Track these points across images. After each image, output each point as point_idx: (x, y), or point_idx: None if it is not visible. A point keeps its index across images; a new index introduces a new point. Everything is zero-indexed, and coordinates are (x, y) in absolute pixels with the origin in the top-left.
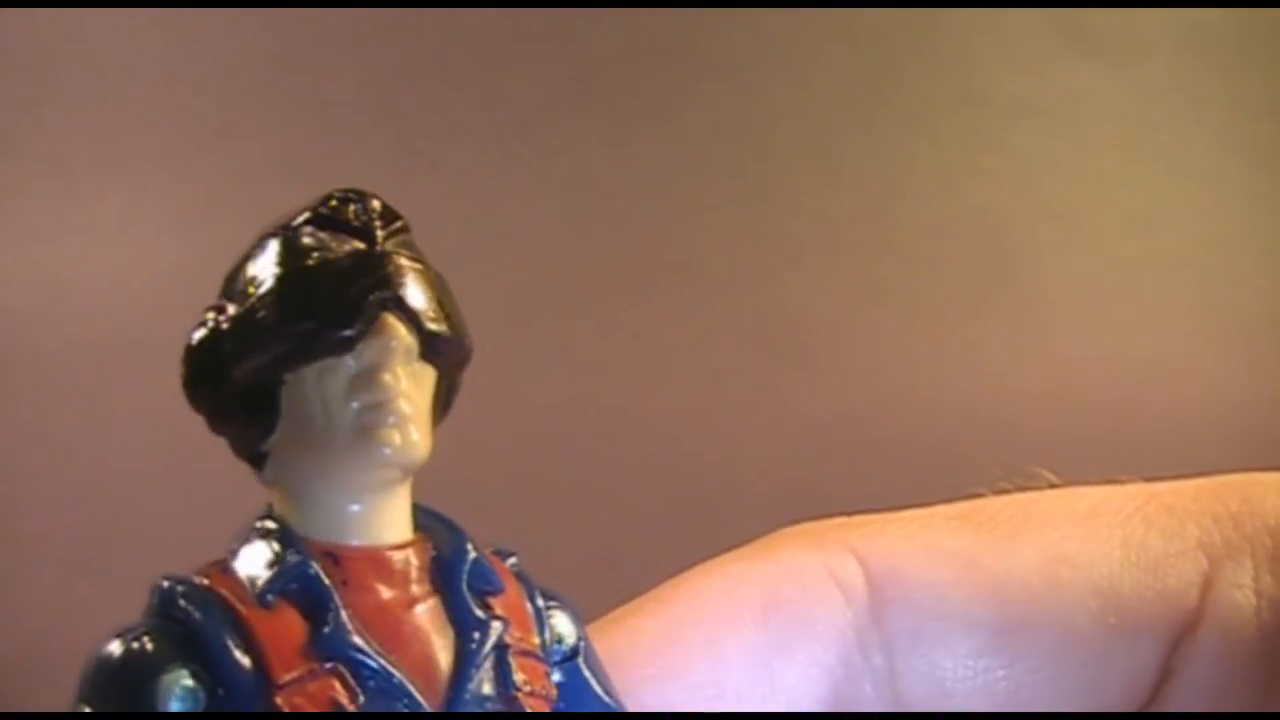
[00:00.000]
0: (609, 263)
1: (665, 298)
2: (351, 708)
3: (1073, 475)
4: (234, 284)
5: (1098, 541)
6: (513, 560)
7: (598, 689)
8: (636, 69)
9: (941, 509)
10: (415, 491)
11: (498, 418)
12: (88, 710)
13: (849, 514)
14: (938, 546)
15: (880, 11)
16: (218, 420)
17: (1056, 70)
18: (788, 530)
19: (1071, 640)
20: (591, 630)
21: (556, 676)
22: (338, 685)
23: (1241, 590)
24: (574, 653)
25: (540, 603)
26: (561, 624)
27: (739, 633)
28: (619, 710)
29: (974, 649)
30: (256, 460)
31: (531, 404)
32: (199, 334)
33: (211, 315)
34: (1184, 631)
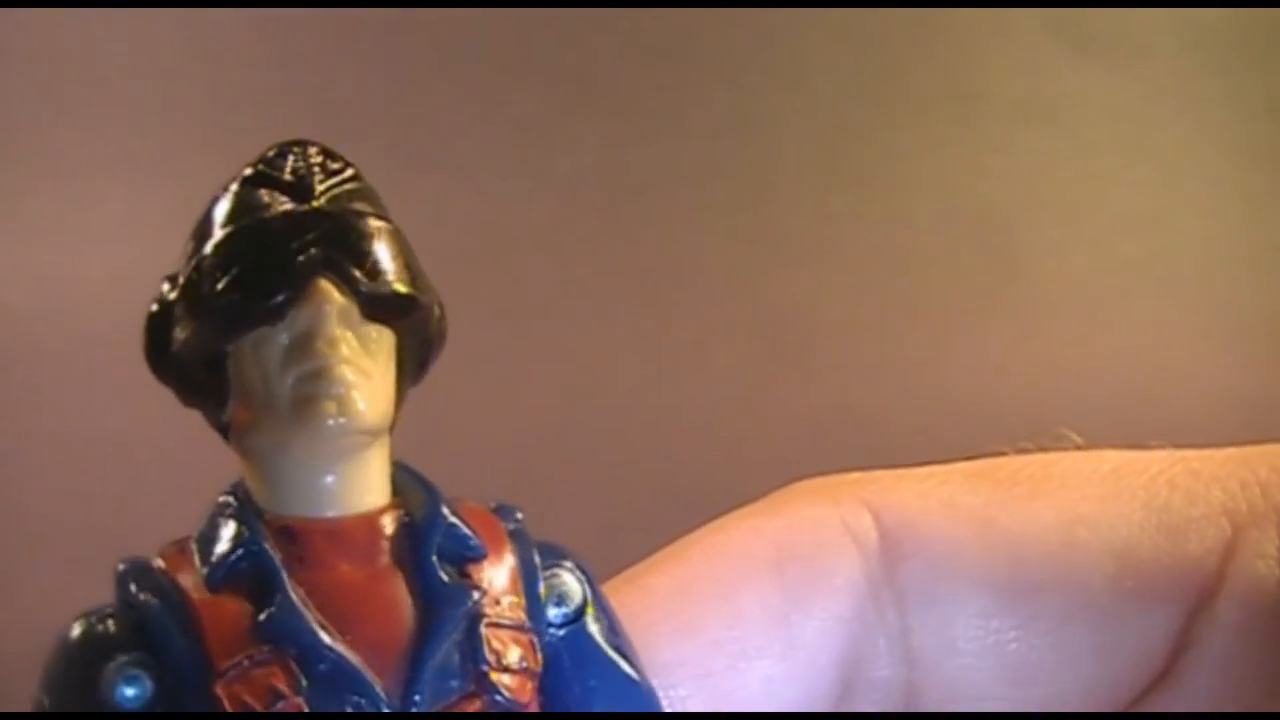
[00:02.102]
0: (609, 262)
1: (665, 297)
2: (293, 696)
3: None
4: (184, 253)
5: (1118, 503)
6: (516, 518)
7: (607, 650)
8: (636, 69)
9: (960, 466)
10: None
11: (497, 417)
12: (44, 699)
13: None
14: (954, 503)
15: (880, 11)
16: (182, 393)
17: (1057, 70)
18: (801, 484)
19: (1086, 603)
20: (604, 589)
21: (561, 634)
22: (279, 672)
23: (1265, 560)
24: (579, 614)
25: (538, 561)
26: (566, 584)
27: (755, 587)
28: (628, 671)
29: (986, 608)
30: (223, 432)
31: (531, 404)
32: (153, 306)
33: (165, 286)
34: (1203, 600)
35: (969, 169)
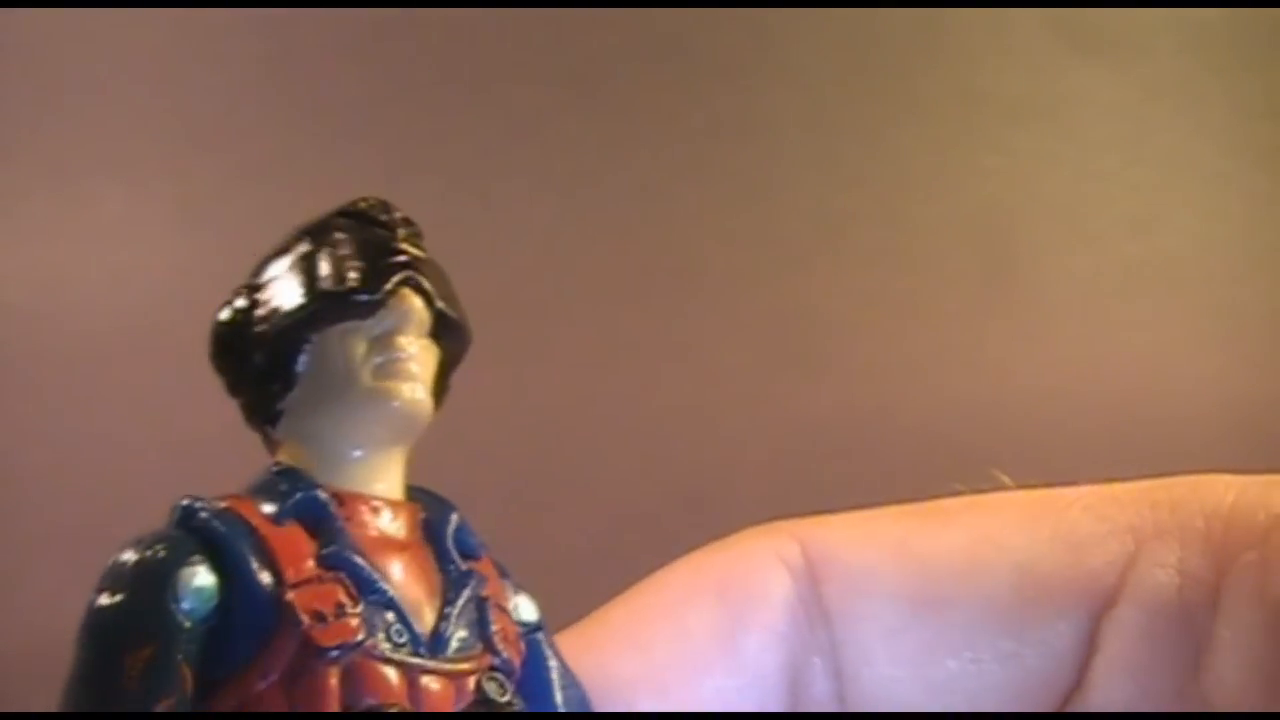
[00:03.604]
0: (609, 263)
1: (665, 298)
2: (354, 609)
3: (1073, 474)
4: (264, 266)
5: (1028, 526)
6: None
7: (555, 660)
8: (636, 69)
9: (893, 507)
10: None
11: (497, 417)
12: (104, 600)
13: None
14: (874, 532)
15: (880, 11)
16: (239, 384)
17: (1057, 70)
18: (747, 529)
19: (990, 614)
20: (566, 633)
21: (524, 637)
22: (342, 591)
23: (1164, 569)
24: (537, 628)
25: (510, 584)
26: (525, 605)
27: (700, 609)
28: (574, 678)
29: (897, 623)
30: (272, 419)
31: (530, 404)
32: (228, 308)
33: (242, 291)
34: (1104, 607)
35: (969, 169)
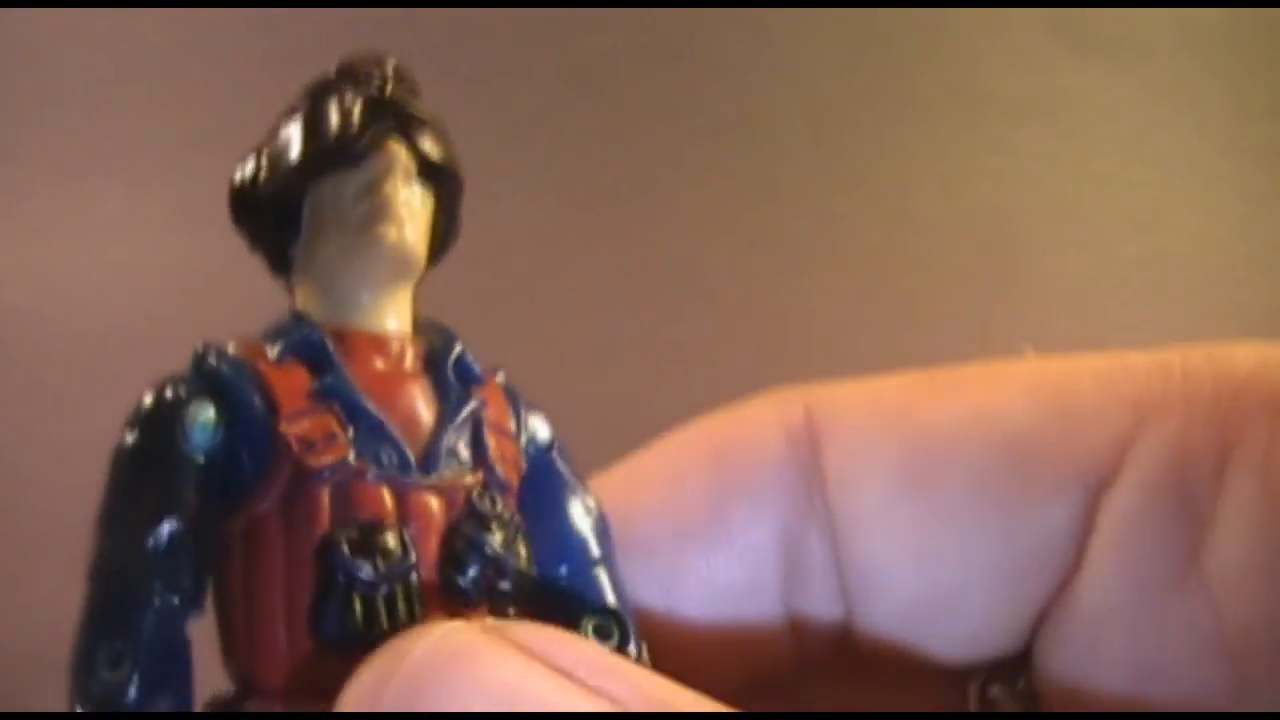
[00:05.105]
0: (609, 262)
1: (665, 297)
2: (344, 437)
3: None
4: (270, 133)
5: (1030, 396)
6: (499, 375)
7: (566, 473)
8: (636, 69)
9: (905, 375)
10: None
11: None
12: (124, 439)
13: None
14: (879, 400)
15: (881, 11)
16: (256, 238)
17: (1057, 70)
18: (759, 394)
19: (984, 489)
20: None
21: (534, 457)
22: (333, 420)
23: (1165, 447)
24: (549, 448)
25: (521, 407)
26: (538, 424)
27: (695, 475)
28: (586, 499)
29: (893, 494)
30: (286, 267)
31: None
32: (239, 170)
33: (253, 153)
34: (1101, 486)
35: (969, 169)
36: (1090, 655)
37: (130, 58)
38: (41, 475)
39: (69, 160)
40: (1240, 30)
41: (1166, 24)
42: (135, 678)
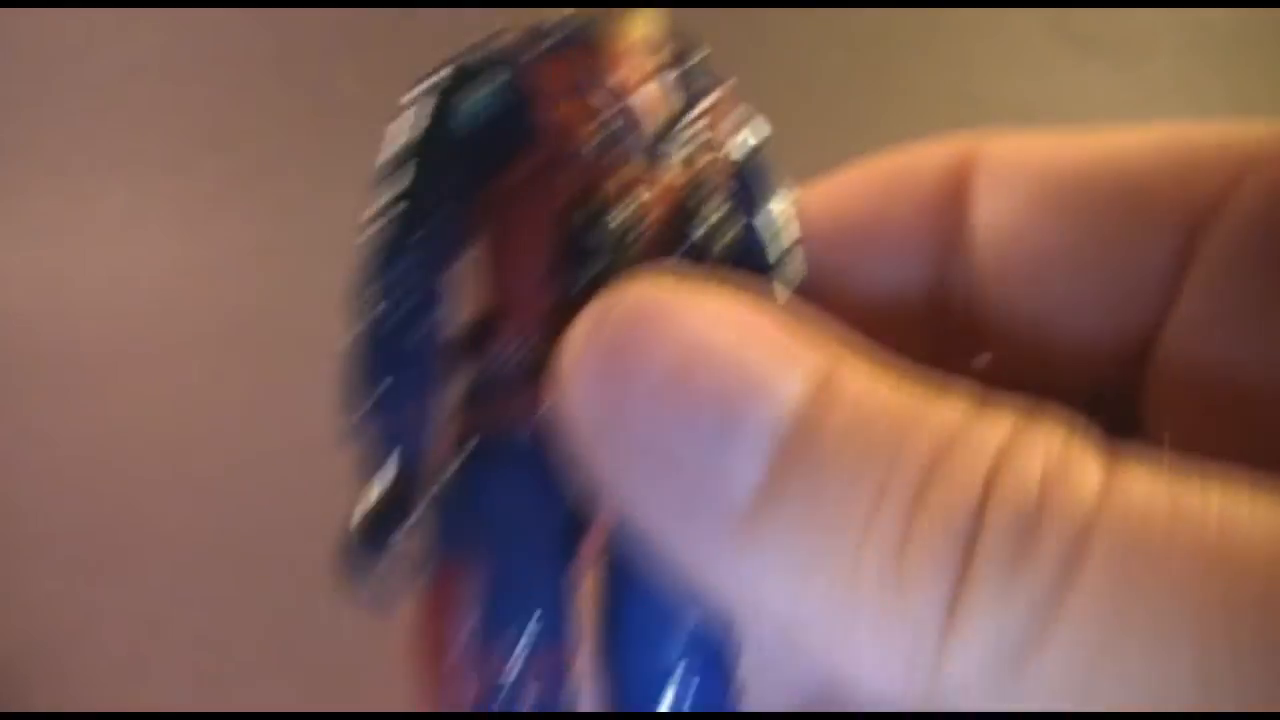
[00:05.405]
0: None
1: None
2: (590, 121)
3: None
4: None
5: (1143, 140)
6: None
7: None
8: None
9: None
10: None
11: None
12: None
13: None
14: (1040, 143)
15: (880, 11)
16: None
17: (1057, 70)
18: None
19: (1096, 225)
20: None
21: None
22: (583, 106)
23: (1267, 190)
24: (759, 149)
25: (739, 113)
26: (750, 129)
27: (861, 190)
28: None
29: (1023, 221)
30: None
31: None
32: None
33: None
34: (1204, 219)
35: None
36: (1182, 387)
37: (131, 58)
38: (41, 475)
39: (70, 160)
40: (1241, 30)
41: (1167, 24)
42: None
